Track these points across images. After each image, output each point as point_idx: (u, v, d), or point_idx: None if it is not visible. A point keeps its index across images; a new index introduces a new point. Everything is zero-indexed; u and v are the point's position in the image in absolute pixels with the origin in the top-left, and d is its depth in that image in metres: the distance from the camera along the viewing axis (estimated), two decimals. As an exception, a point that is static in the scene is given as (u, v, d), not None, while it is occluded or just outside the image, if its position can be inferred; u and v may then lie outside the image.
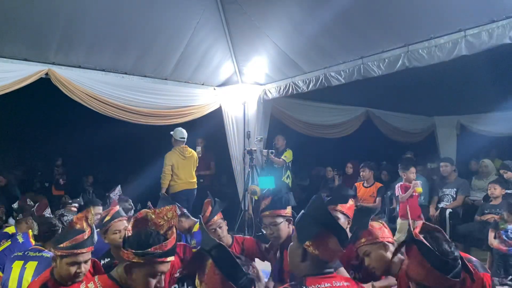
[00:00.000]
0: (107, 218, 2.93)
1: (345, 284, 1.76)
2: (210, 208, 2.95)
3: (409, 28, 3.99)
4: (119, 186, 4.28)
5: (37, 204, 3.97)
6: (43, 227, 2.97)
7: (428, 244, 1.62)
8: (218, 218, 2.97)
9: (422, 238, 1.66)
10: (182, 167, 5.84)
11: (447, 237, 1.72)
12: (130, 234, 1.88)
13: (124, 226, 2.84)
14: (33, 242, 3.04)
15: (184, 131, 5.90)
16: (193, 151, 6.10)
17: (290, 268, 1.93)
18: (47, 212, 3.70)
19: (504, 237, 4.11)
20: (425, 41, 3.94)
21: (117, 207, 3.04)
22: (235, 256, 1.57)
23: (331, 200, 2.89)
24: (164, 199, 3.43)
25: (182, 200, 5.51)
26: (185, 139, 5.90)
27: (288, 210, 2.73)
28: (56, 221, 3.15)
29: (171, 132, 5.97)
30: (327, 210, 1.81)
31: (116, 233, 2.85)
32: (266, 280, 3.05)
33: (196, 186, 6.03)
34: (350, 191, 3.28)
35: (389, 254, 2.13)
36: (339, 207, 2.77)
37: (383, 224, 2.27)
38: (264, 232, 2.82)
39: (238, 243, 3.11)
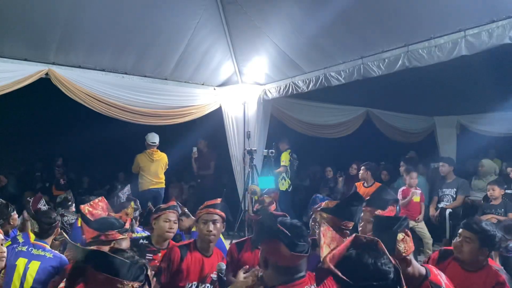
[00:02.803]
0: (164, 206, 3.16)
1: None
2: (218, 201, 2.92)
3: (409, 28, 3.98)
4: (129, 185, 4.31)
5: (32, 200, 3.97)
6: (43, 224, 2.99)
7: (339, 274, 1.37)
8: (217, 213, 2.93)
9: (332, 267, 1.41)
10: (148, 169, 6.26)
11: (386, 251, 1.44)
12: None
13: (174, 219, 3.07)
14: (33, 238, 3.04)
15: (156, 136, 6.36)
16: (163, 154, 6.45)
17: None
18: (42, 204, 3.70)
19: (504, 253, 4.07)
20: (425, 41, 3.93)
21: (175, 202, 3.30)
22: (112, 253, 1.58)
23: (370, 201, 2.82)
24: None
25: (149, 198, 5.64)
26: (156, 144, 6.36)
27: (349, 224, 2.57)
28: (55, 213, 3.19)
29: (145, 136, 6.36)
30: (272, 217, 1.82)
31: (166, 221, 3.02)
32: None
33: (163, 186, 6.44)
34: (392, 194, 3.17)
35: (410, 270, 1.94)
36: (378, 212, 2.68)
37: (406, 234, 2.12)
38: (314, 228, 2.78)
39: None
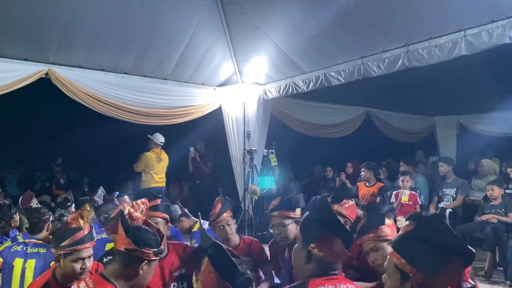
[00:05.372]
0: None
1: (350, 286, 1.74)
2: (220, 205, 2.96)
3: (409, 28, 3.99)
4: (101, 187, 4.19)
5: (21, 197, 3.96)
6: (33, 219, 2.99)
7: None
8: (227, 215, 2.96)
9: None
10: (156, 168, 6.32)
11: None
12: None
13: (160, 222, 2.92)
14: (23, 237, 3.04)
15: (162, 136, 6.45)
16: (166, 155, 6.52)
17: (294, 269, 1.92)
18: (34, 203, 3.69)
19: None
20: (425, 41, 3.93)
21: (159, 201, 3.14)
22: (232, 255, 1.57)
23: (333, 199, 2.88)
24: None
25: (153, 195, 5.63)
26: (163, 143, 6.46)
27: (298, 212, 2.71)
28: (45, 209, 3.16)
29: (149, 135, 6.39)
30: (332, 212, 1.79)
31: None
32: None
33: (164, 185, 6.52)
34: (352, 189, 3.28)
35: None
36: (336, 207, 2.76)
37: (392, 223, 2.25)
38: (272, 231, 2.80)
39: (245, 244, 3.09)
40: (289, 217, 2.67)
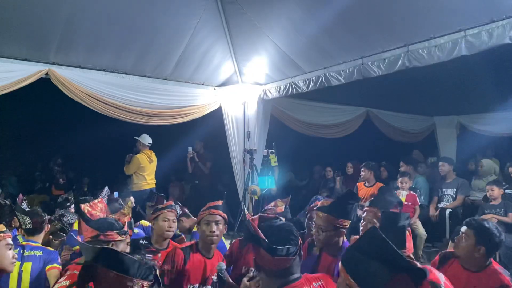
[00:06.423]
0: (161, 206, 3.20)
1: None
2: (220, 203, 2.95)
3: (409, 28, 3.98)
4: (106, 187, 4.25)
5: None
6: (36, 219, 3.02)
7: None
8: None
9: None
10: (147, 169, 6.36)
11: None
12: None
13: (173, 218, 3.12)
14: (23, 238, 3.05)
15: (149, 137, 6.48)
16: (155, 156, 6.54)
17: None
18: (24, 206, 3.70)
19: None
20: (425, 41, 3.93)
21: (172, 202, 3.40)
22: (123, 253, 1.61)
23: (374, 201, 2.82)
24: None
25: (144, 198, 5.65)
26: (151, 144, 6.50)
27: (345, 223, 2.51)
28: (41, 211, 3.21)
29: (136, 137, 6.43)
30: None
31: (165, 220, 3.06)
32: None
33: (154, 186, 6.47)
34: (396, 196, 3.21)
35: None
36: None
37: (408, 232, 2.22)
38: (311, 228, 2.77)
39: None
40: (336, 225, 2.49)
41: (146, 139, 6.44)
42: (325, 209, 2.53)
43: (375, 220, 2.65)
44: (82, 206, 2.66)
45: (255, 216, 1.94)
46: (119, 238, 2.27)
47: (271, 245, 1.71)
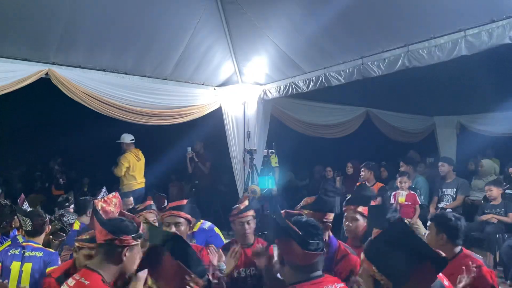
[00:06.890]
0: (140, 207, 3.14)
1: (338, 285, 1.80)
2: (246, 202, 2.91)
3: (409, 28, 3.98)
4: (104, 188, 4.22)
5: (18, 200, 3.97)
6: (37, 221, 3.00)
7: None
8: (250, 214, 2.88)
9: None
10: (136, 168, 6.22)
11: None
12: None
13: (153, 219, 3.04)
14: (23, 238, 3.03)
15: (130, 135, 6.32)
16: (142, 154, 6.40)
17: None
18: (25, 206, 3.70)
19: None
20: (425, 41, 3.94)
21: (151, 201, 3.27)
22: (190, 245, 1.61)
23: (351, 200, 2.86)
24: None
25: (137, 198, 5.64)
26: (134, 141, 6.33)
27: (330, 216, 2.58)
28: (43, 213, 3.19)
29: (118, 141, 6.35)
30: (282, 216, 1.79)
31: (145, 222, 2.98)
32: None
33: (144, 185, 6.37)
34: (372, 191, 3.28)
35: None
36: (360, 208, 2.72)
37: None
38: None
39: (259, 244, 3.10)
40: (321, 221, 2.49)
41: (127, 137, 6.33)
42: (310, 206, 2.60)
43: (357, 216, 2.72)
44: (96, 202, 2.51)
45: (282, 211, 1.96)
46: (134, 242, 2.04)
47: (304, 238, 1.74)
